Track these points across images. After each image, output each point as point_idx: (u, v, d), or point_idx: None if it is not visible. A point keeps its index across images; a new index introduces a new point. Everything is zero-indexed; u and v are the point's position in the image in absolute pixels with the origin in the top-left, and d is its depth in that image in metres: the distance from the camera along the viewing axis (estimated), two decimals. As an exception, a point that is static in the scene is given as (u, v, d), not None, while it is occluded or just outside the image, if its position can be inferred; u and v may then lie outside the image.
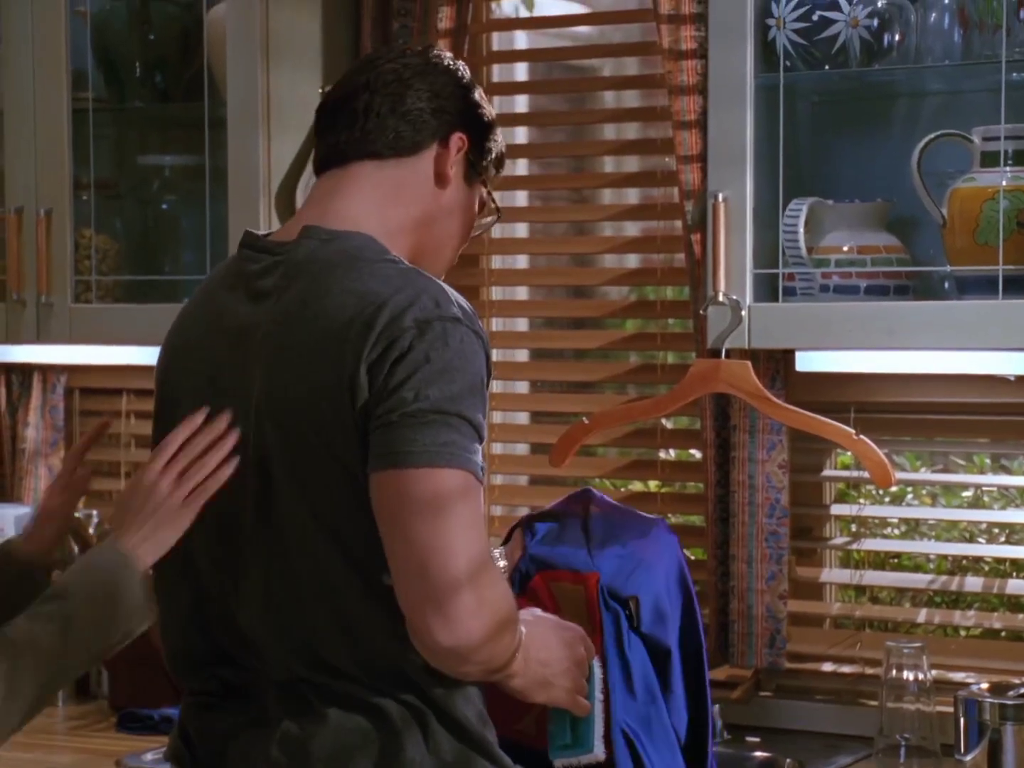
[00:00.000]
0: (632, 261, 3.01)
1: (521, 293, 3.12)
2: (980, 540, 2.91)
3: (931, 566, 2.87)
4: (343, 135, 2.00)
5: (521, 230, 3.12)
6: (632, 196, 3.07)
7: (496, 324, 3.01)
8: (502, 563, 2.12)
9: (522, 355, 3.20)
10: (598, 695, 2.01)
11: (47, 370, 3.25)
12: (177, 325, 2.04)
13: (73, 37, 2.94)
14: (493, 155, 2.06)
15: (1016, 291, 2.31)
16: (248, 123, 2.76)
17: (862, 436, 2.42)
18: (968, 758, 2.38)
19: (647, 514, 2.19)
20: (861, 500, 2.81)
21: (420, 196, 2.00)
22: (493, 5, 3.07)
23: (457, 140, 2.01)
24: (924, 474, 2.97)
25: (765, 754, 2.60)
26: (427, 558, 1.76)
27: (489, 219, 2.16)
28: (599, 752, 2.02)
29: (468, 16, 2.84)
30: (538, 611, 2.00)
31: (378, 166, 1.99)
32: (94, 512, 3.18)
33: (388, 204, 1.98)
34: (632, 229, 3.10)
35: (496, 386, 3.02)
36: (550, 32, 3.25)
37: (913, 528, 2.98)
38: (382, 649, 1.85)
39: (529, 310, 3.17)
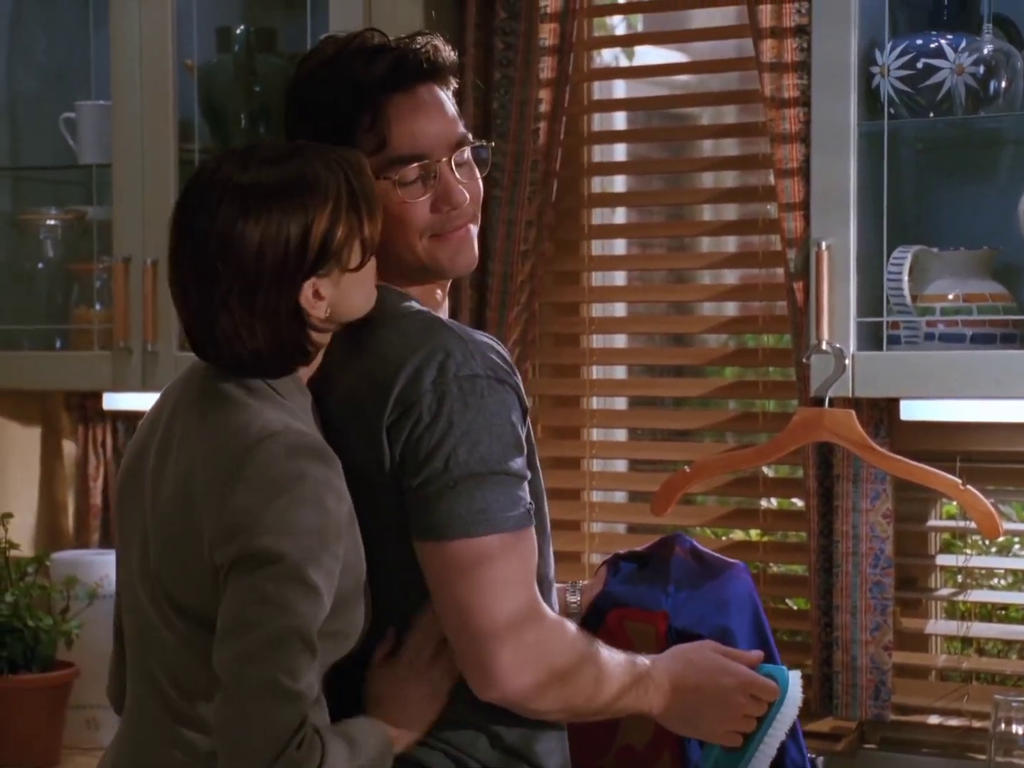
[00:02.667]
0: (729, 309, 3.00)
1: (620, 341, 3.12)
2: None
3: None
4: None
5: (620, 278, 3.12)
6: (730, 244, 3.07)
7: (596, 372, 3.01)
8: (574, 598, 2.13)
9: (621, 403, 3.20)
10: (767, 737, 1.99)
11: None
12: None
13: (180, 89, 2.99)
14: (355, 140, 1.90)
15: None
16: (351, 173, 2.78)
17: (969, 486, 2.39)
18: (1079, 814, 2.35)
19: (730, 559, 2.17)
20: (967, 551, 2.77)
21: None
22: (594, 54, 3.08)
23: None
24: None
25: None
26: (464, 620, 1.81)
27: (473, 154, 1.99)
28: None
29: (569, 66, 2.86)
30: (706, 647, 1.99)
31: None
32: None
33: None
34: (730, 277, 3.09)
35: (595, 434, 3.02)
36: (649, 81, 3.25)
37: (1021, 579, 2.93)
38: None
39: (628, 358, 3.17)
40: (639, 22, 3.28)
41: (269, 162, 1.82)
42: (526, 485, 1.86)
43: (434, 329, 1.87)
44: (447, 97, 1.96)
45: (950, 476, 2.42)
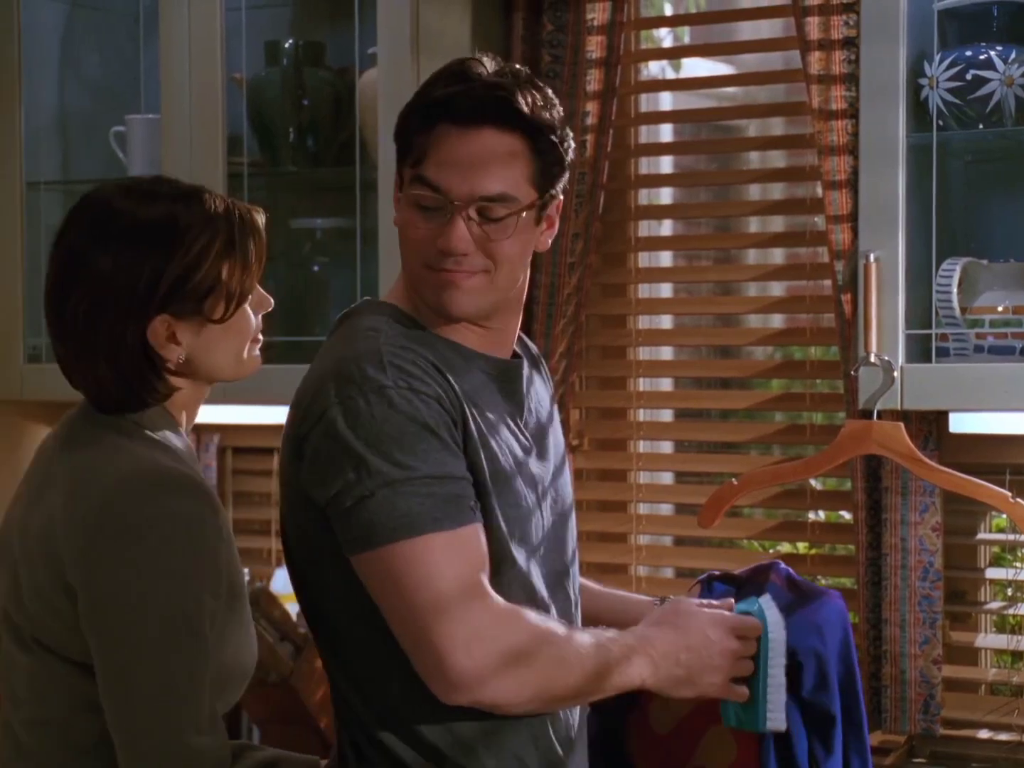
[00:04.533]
0: (777, 322, 2.99)
1: (667, 353, 3.12)
2: None
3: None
4: None
5: (667, 290, 3.12)
6: (777, 257, 3.06)
7: (643, 384, 3.01)
8: None
9: (667, 415, 3.19)
10: (770, 669, 1.97)
11: (201, 430, 3.30)
12: None
13: (229, 102, 3.00)
14: (401, 151, 1.93)
15: None
16: (399, 186, 2.78)
17: (1019, 499, 2.38)
18: None
19: (825, 588, 2.16)
20: (1017, 564, 2.75)
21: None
22: (641, 66, 3.08)
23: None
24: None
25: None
26: (409, 622, 1.83)
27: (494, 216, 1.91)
28: (769, 728, 1.98)
29: (616, 79, 2.86)
30: (683, 605, 1.98)
31: None
32: (245, 570, 3.22)
33: None
34: (776, 290, 3.08)
35: (642, 446, 3.02)
36: (695, 93, 3.25)
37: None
38: None
39: (675, 370, 3.16)
40: (686, 34, 3.28)
41: (150, 197, 1.84)
42: (464, 484, 1.85)
43: (350, 342, 1.90)
44: (504, 147, 1.88)
45: (1000, 489, 2.40)
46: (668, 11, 3.53)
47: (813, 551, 2.92)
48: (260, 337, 1.95)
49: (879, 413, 2.47)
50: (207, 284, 1.82)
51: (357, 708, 1.92)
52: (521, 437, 1.98)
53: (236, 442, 3.33)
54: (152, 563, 1.74)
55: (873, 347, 2.43)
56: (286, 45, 3.03)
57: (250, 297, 1.90)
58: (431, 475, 1.82)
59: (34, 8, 3.20)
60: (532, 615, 1.86)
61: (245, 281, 1.87)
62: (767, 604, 1.99)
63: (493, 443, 1.92)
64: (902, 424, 2.46)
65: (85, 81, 3.29)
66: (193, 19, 2.99)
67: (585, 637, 1.88)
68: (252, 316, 1.91)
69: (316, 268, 3.17)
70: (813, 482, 2.89)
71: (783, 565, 2.13)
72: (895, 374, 2.42)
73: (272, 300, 1.95)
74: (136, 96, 3.16)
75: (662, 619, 1.96)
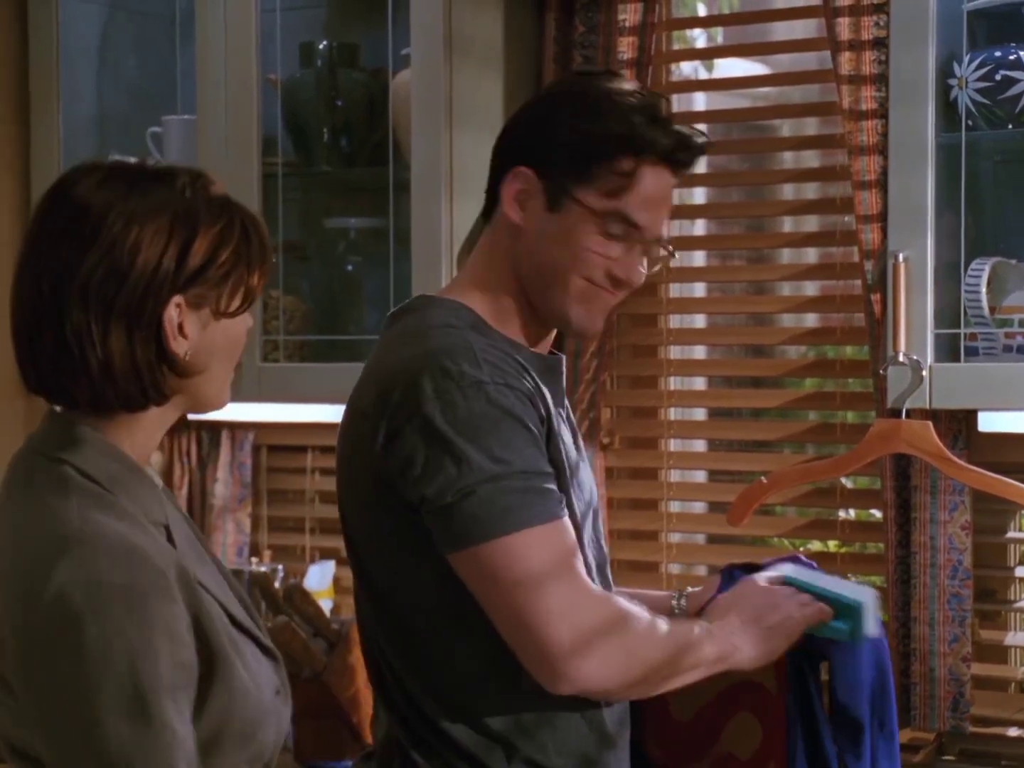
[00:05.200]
0: (809, 321, 3.00)
1: (699, 352, 3.13)
2: None
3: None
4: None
5: (699, 289, 3.13)
6: (809, 256, 3.07)
7: (674, 383, 3.03)
8: (680, 602, 2.13)
9: (700, 414, 3.21)
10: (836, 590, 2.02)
11: (235, 428, 3.34)
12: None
13: (264, 104, 3.03)
14: (596, 171, 1.95)
15: None
16: (432, 186, 2.81)
17: (1048, 499, 2.39)
18: None
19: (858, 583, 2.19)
20: (1047, 563, 2.76)
21: (505, 245, 2.01)
22: (672, 67, 3.10)
23: (516, 175, 1.98)
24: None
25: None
26: (516, 621, 1.85)
27: (660, 255, 2.08)
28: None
29: (648, 80, 2.87)
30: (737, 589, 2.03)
31: (488, 227, 2.05)
32: (279, 567, 3.26)
33: (487, 265, 2.02)
34: (810, 289, 3.09)
35: (673, 444, 3.04)
36: (729, 93, 3.27)
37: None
38: None
39: (707, 369, 3.18)
40: (719, 34, 3.30)
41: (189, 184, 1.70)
42: (551, 479, 1.89)
43: (427, 338, 1.92)
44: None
45: (1027, 488, 2.41)
46: (702, 11, 3.54)
47: (844, 549, 2.93)
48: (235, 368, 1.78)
49: (908, 412, 2.48)
50: (227, 265, 1.68)
51: (415, 695, 1.95)
52: (570, 431, 2.04)
53: (270, 440, 3.36)
54: (91, 649, 1.56)
55: (902, 346, 2.44)
56: (320, 47, 3.05)
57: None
58: (526, 470, 1.86)
59: (72, 10, 3.24)
60: (620, 599, 1.91)
61: (257, 283, 1.73)
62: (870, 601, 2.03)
63: (561, 440, 1.97)
64: (931, 423, 2.47)
65: (122, 82, 3.33)
66: (229, 21, 3.02)
67: (666, 623, 1.93)
68: (246, 331, 1.76)
69: (350, 267, 3.20)
70: (845, 481, 2.90)
71: (804, 558, 2.15)
72: (923, 373, 2.43)
73: (252, 321, 1.80)
74: (173, 97, 3.20)
75: (724, 603, 2.01)
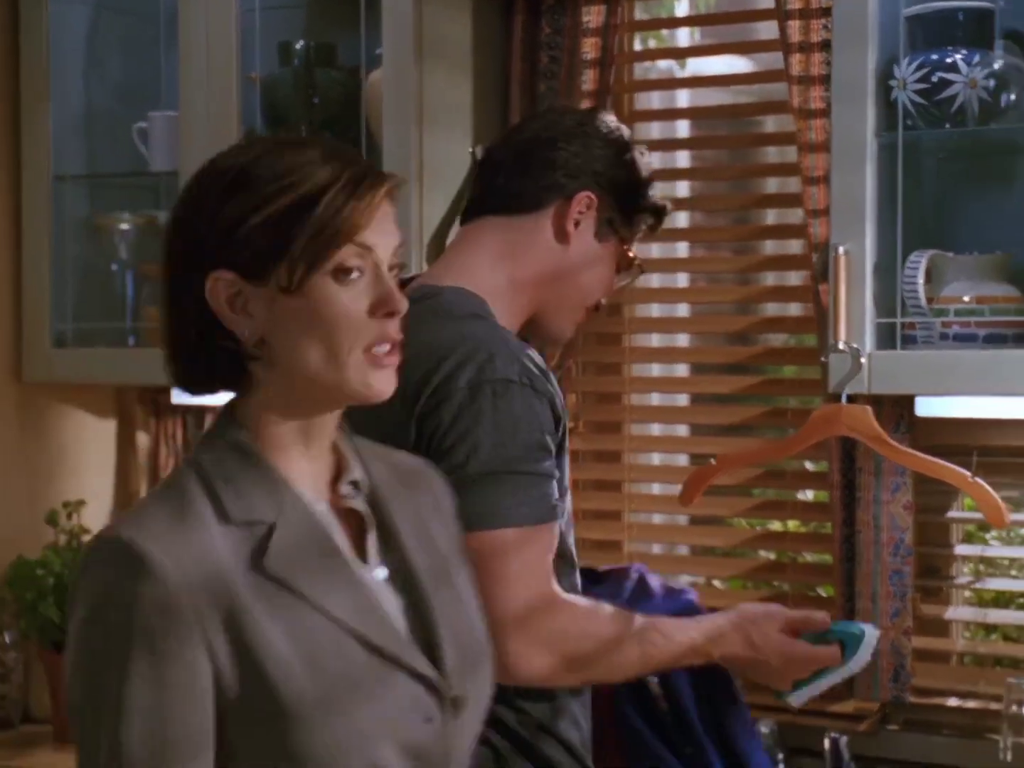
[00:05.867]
0: (770, 311, 3.13)
1: (656, 341, 3.26)
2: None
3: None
4: (477, 191, 2.18)
5: (655, 280, 3.26)
6: (770, 248, 3.20)
7: (636, 370, 3.16)
8: None
9: (657, 399, 3.31)
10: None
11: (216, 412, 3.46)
12: None
13: (244, 100, 3.15)
14: (637, 215, 2.18)
15: None
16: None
17: (977, 479, 2.52)
18: (1084, 791, 2.47)
19: (682, 586, 2.35)
20: (994, 542, 2.89)
21: (540, 253, 2.13)
22: (650, 65, 3.22)
23: (583, 199, 2.14)
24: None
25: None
26: (485, 607, 1.84)
27: (628, 272, 2.28)
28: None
29: (611, 78, 3.00)
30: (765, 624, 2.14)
31: (501, 222, 2.14)
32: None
33: (504, 260, 2.12)
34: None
35: (634, 428, 3.17)
36: (713, 89, 3.33)
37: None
38: None
39: (666, 356, 3.29)
40: (698, 32, 3.39)
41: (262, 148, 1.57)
42: (552, 483, 2.00)
43: (481, 330, 2.02)
44: None
45: (960, 469, 2.54)
46: (681, 11, 3.64)
47: (801, 529, 3.07)
48: (385, 346, 1.56)
49: (852, 397, 2.60)
50: (268, 236, 1.51)
51: None
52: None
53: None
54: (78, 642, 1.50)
55: (842, 335, 2.56)
56: (298, 46, 3.17)
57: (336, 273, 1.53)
58: (539, 472, 1.97)
59: (61, 12, 3.36)
60: (600, 614, 2.03)
61: (314, 256, 1.51)
62: (871, 634, 2.19)
63: (566, 448, 2.09)
64: (869, 408, 2.60)
65: (109, 80, 3.44)
66: (210, 20, 3.13)
67: (649, 636, 2.05)
68: (353, 309, 1.53)
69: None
70: (809, 465, 3.03)
71: (642, 567, 2.33)
72: (862, 360, 2.55)
73: (400, 302, 1.55)
74: (157, 94, 3.32)
75: (743, 628, 2.13)
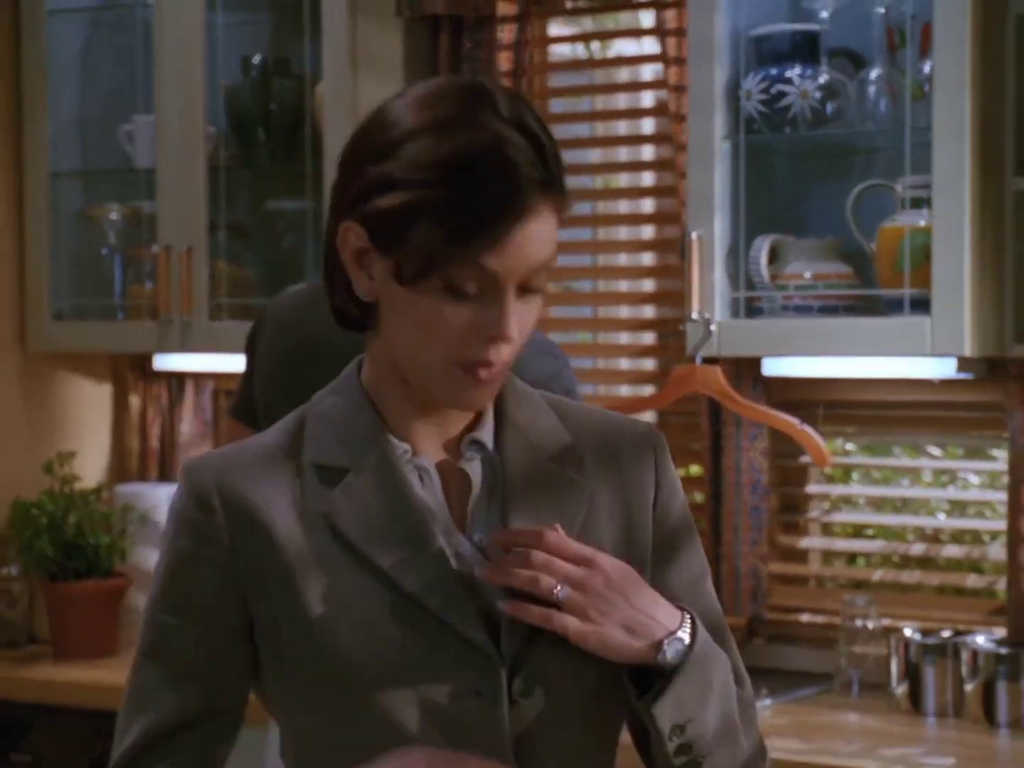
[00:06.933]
0: (648, 287, 3.63)
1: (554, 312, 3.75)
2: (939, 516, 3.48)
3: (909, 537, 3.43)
4: None
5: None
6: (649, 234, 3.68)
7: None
8: None
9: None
10: None
11: (198, 377, 3.96)
12: None
13: (211, 106, 3.62)
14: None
15: (921, 310, 2.87)
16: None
17: (805, 426, 3.00)
18: (899, 689, 2.96)
19: None
20: (853, 483, 3.38)
21: None
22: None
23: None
24: (859, 459, 3.49)
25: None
26: None
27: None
28: None
29: (522, 87, 3.48)
30: None
31: None
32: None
33: None
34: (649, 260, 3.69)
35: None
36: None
37: (879, 504, 3.54)
38: None
39: (560, 327, 3.76)
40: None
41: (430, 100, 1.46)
42: None
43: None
44: None
45: (789, 418, 3.03)
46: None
47: (679, 473, 3.55)
48: (482, 368, 1.44)
49: (706, 359, 3.08)
50: (399, 205, 1.41)
51: None
52: None
53: (228, 387, 3.92)
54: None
55: (695, 306, 3.04)
56: (255, 60, 3.66)
57: (458, 283, 1.41)
58: None
59: (58, 27, 3.83)
60: None
61: (435, 256, 1.41)
62: None
63: None
64: (719, 368, 3.08)
65: (100, 87, 3.88)
66: (182, 35, 3.59)
67: None
68: (456, 324, 1.42)
69: (288, 242, 3.81)
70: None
71: None
72: (712, 328, 3.04)
73: (510, 329, 1.42)
74: (141, 100, 3.79)
75: None
